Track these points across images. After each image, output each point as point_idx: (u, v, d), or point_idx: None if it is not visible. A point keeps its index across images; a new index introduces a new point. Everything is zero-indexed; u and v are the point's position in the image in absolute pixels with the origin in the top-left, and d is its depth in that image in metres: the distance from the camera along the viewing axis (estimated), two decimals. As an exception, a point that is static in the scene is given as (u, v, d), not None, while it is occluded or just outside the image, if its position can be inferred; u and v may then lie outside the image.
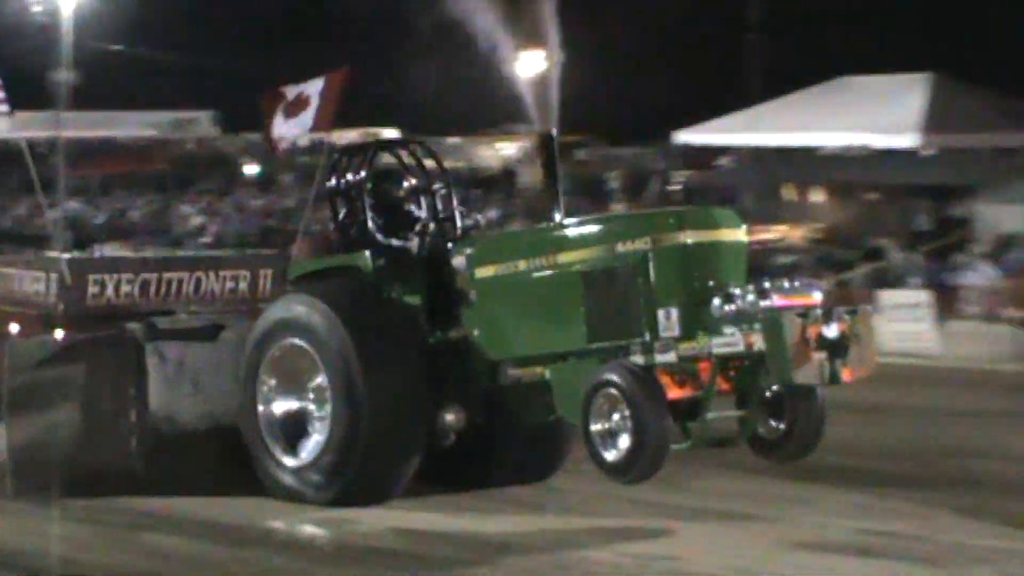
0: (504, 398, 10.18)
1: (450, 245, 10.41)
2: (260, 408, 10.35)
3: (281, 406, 10.36)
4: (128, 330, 10.61)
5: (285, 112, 11.73)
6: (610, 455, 9.00)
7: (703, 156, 29.74)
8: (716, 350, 8.89)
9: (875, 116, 23.38)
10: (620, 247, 9.33)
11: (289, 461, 10.18)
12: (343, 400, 9.86)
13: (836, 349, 8.68)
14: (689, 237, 9.14)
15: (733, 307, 8.85)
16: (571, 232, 9.94)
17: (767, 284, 8.90)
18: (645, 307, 9.13)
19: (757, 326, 8.70)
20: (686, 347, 8.96)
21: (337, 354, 9.88)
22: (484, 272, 10.05)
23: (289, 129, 11.82)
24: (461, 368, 10.18)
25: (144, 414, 10.47)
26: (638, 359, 9.04)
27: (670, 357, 8.96)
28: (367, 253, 10.30)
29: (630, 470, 8.95)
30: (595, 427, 9.04)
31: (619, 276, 9.29)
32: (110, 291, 11.24)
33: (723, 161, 29.41)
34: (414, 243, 10.54)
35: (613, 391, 8.93)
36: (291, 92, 11.77)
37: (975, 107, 25.86)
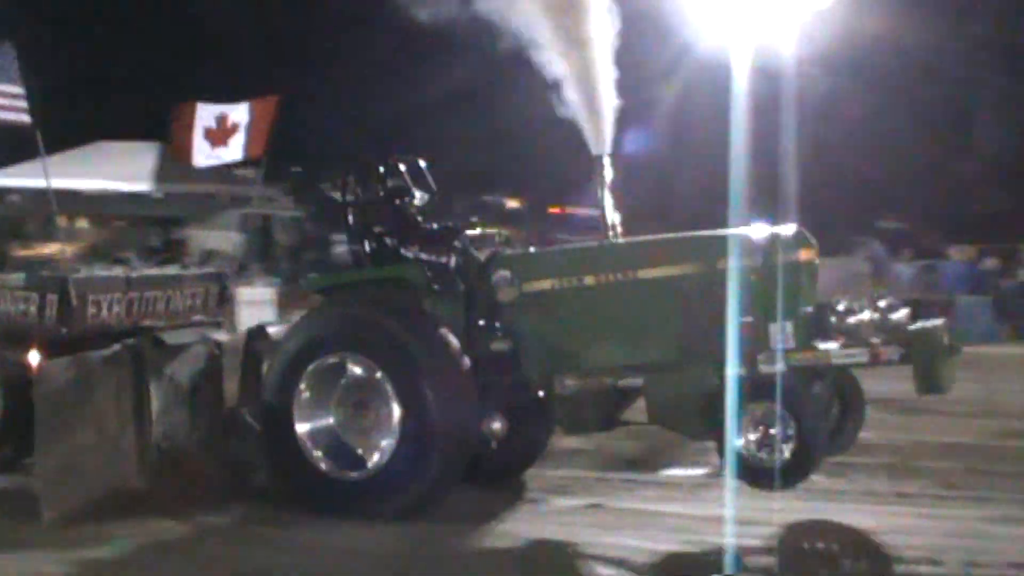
0: (560, 407, 9.81)
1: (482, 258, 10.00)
2: (298, 424, 9.72)
3: (323, 420, 9.79)
4: (130, 347, 10.21)
5: (209, 139, 11.92)
6: (769, 463, 8.85)
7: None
8: (837, 361, 8.93)
9: (122, 168, 30.44)
10: (720, 264, 9.13)
11: (347, 475, 9.56)
12: (410, 411, 9.35)
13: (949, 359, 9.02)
14: (802, 256, 9.16)
15: (852, 320, 9.02)
16: (654, 249, 9.65)
17: (883, 302, 9.17)
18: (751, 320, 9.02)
19: (899, 339, 8.80)
20: (800, 358, 8.91)
21: (402, 366, 9.38)
22: (536, 286, 9.68)
23: (219, 155, 12.03)
24: (506, 378, 9.73)
25: (146, 429, 10.18)
26: (740, 370, 8.94)
27: (778, 367, 8.89)
28: (414, 265, 9.95)
29: (795, 474, 8.91)
30: (746, 438, 8.88)
31: (722, 291, 9.06)
32: (104, 310, 10.98)
33: (14, 197, 34.74)
34: (448, 257, 10.09)
35: (773, 403, 8.78)
36: (208, 113, 11.87)
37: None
